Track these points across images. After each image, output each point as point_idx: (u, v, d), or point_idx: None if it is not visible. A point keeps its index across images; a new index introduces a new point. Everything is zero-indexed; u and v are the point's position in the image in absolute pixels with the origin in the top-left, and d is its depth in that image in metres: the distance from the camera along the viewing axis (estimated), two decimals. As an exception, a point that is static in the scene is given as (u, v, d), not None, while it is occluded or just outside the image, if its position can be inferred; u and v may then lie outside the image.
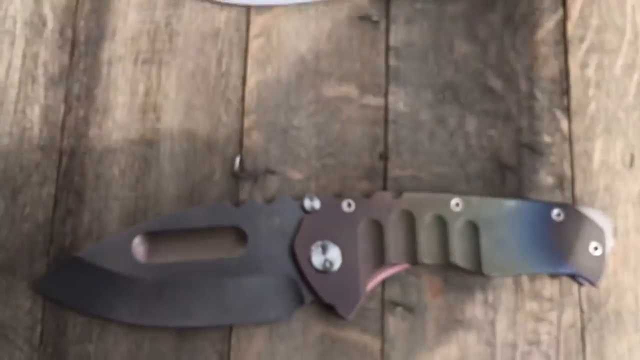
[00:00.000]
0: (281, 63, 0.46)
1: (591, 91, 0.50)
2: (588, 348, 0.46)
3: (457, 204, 0.43)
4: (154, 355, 0.41)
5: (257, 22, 0.46)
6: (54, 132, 0.42)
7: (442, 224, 0.43)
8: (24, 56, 0.43)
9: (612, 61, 0.51)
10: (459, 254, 0.43)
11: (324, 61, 0.47)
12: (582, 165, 0.49)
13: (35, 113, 0.42)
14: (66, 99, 0.43)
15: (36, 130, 0.42)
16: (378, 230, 0.42)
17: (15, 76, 0.43)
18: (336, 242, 0.42)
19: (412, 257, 0.42)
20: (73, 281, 0.40)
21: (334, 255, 0.41)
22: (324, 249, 0.41)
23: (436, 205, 0.43)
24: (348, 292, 0.41)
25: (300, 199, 0.42)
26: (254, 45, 0.46)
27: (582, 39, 0.51)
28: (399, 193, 0.43)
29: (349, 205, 0.43)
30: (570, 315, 0.46)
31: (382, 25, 0.48)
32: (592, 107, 0.50)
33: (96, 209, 0.42)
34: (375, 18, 0.48)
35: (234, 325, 0.42)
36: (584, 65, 0.50)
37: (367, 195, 0.43)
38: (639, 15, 0.50)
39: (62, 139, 0.42)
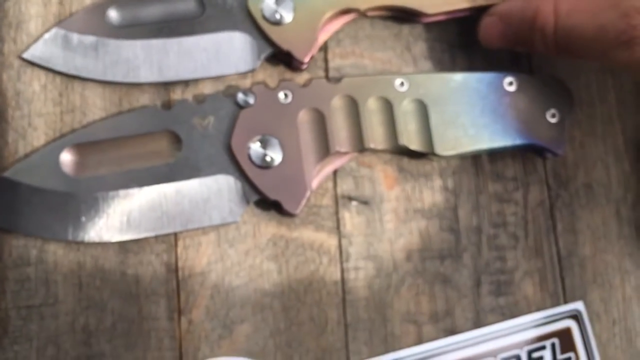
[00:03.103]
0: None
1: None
2: (559, 225, 0.44)
3: (402, 84, 0.41)
4: (98, 273, 0.39)
5: None
6: (-33, 52, 0.40)
7: (387, 106, 0.40)
8: None
9: None
10: (407, 136, 0.40)
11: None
12: (537, 36, 0.46)
13: (-56, 34, 0.40)
14: (-24, 17, 0.41)
15: (-54, 52, 0.40)
16: (319, 119, 0.40)
17: None
18: (276, 136, 0.39)
19: (358, 143, 0.40)
20: (3, 203, 0.38)
21: (274, 149, 0.39)
22: (263, 144, 0.39)
23: (379, 86, 0.41)
24: (293, 186, 0.39)
25: (233, 95, 0.40)
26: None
27: None
28: (338, 79, 0.41)
29: (286, 96, 0.40)
30: (536, 193, 0.44)
31: None
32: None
33: (20, 128, 0.40)
34: None
35: (179, 233, 0.40)
36: None
37: (305, 84, 0.41)
38: None
39: (-25, 58, 0.40)
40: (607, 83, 0.46)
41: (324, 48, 0.43)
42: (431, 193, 0.43)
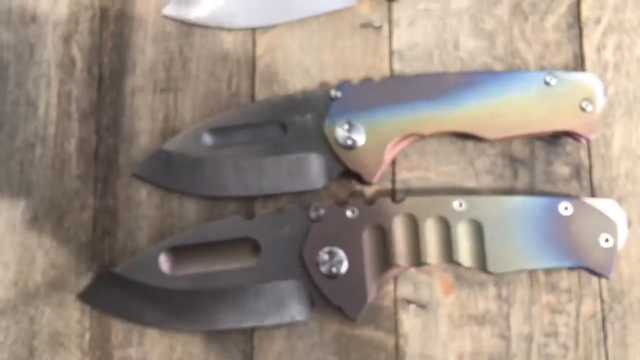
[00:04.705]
0: (287, 78, 0.49)
1: (609, 74, 0.48)
2: (610, 338, 0.46)
3: (460, 204, 0.44)
4: (186, 357, 0.46)
5: (262, 42, 0.49)
6: (89, 162, 0.48)
7: (444, 224, 0.44)
8: (59, 95, 0.49)
9: (633, 40, 0.49)
10: (462, 253, 0.44)
11: (329, 72, 0.49)
12: (600, 152, 0.48)
13: (72, 146, 0.48)
14: (97, 131, 0.48)
15: (74, 161, 0.48)
16: (382, 235, 0.44)
17: (53, 114, 0.48)
18: (342, 248, 0.44)
19: (416, 259, 0.44)
20: (112, 293, 0.46)
21: (340, 260, 0.44)
22: (331, 255, 0.44)
23: (438, 207, 0.44)
24: (354, 295, 0.44)
25: (307, 209, 0.45)
26: (261, 64, 0.49)
27: (598, 20, 0.49)
28: (401, 198, 0.45)
29: (353, 212, 0.45)
30: (590, 305, 0.46)
31: (385, 30, 0.49)
32: (611, 90, 0.48)
33: (129, 228, 0.47)
34: (377, 24, 0.49)
35: (255, 327, 0.46)
36: (600, 47, 0.49)
37: (370, 202, 0.45)
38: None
39: (96, 167, 0.48)
40: (671, 199, 0.47)
41: (393, 161, 0.48)
42: (485, 300, 0.46)
